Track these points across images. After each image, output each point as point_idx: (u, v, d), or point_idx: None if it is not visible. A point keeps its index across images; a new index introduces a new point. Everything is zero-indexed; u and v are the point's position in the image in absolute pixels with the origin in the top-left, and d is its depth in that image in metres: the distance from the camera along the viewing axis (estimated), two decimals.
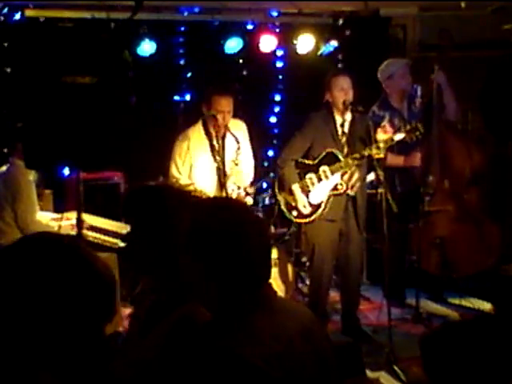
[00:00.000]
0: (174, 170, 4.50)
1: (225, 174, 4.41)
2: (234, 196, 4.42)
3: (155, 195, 1.90)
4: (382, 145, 4.36)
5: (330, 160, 4.46)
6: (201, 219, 1.59)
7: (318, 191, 4.49)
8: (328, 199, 4.47)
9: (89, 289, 1.32)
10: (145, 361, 1.73)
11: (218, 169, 4.44)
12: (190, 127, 4.61)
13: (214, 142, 4.46)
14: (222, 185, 4.40)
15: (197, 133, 4.52)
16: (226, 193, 4.39)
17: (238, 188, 4.48)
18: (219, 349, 1.45)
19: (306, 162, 4.54)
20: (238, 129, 4.59)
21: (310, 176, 4.51)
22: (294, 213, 4.52)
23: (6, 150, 4.68)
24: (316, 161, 4.50)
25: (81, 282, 1.31)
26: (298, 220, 4.57)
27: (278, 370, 1.42)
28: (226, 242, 1.53)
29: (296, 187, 4.49)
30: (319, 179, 4.48)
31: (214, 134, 4.46)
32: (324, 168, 4.46)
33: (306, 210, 4.47)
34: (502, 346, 1.52)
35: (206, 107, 4.40)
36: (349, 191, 4.44)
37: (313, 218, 4.48)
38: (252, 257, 1.55)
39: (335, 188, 4.45)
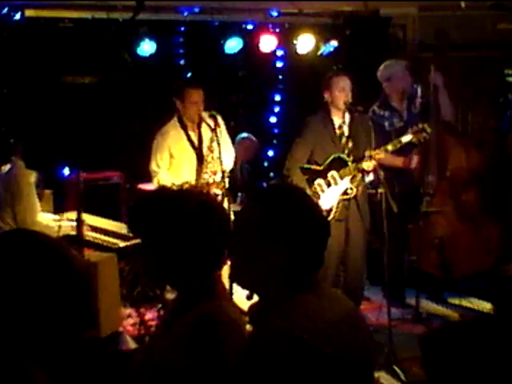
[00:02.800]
0: (153, 166, 4.66)
1: (202, 162, 4.55)
2: (211, 181, 4.48)
3: (161, 204, 1.86)
4: (390, 147, 4.38)
5: (337, 164, 4.44)
6: (274, 208, 1.61)
7: (327, 196, 4.46)
8: (338, 204, 4.47)
9: (63, 283, 1.32)
10: (163, 362, 1.73)
11: (196, 158, 4.57)
12: (166, 124, 4.74)
13: (190, 132, 4.62)
14: (198, 173, 4.55)
15: (173, 126, 4.67)
16: (203, 180, 4.51)
17: (214, 173, 4.48)
18: (276, 328, 1.48)
19: (313, 167, 4.51)
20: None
21: (319, 182, 4.47)
22: None
23: (7, 150, 4.67)
24: (323, 166, 4.48)
25: (54, 276, 1.32)
26: None
27: (327, 347, 1.46)
28: (298, 227, 1.58)
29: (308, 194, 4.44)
30: (328, 184, 4.46)
31: (189, 125, 4.61)
32: (332, 173, 4.44)
33: None
34: (502, 346, 1.52)
35: (179, 100, 4.56)
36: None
37: None
38: (316, 241, 1.61)
39: (345, 193, 4.44)
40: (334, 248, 4.49)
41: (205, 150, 4.60)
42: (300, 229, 1.58)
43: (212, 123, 4.51)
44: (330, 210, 4.45)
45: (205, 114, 4.56)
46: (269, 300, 1.61)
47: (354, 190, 4.42)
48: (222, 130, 4.67)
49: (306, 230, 1.59)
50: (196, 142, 4.62)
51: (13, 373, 1.26)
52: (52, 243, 1.39)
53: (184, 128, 4.63)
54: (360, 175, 4.43)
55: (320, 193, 4.46)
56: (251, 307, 1.66)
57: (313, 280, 1.62)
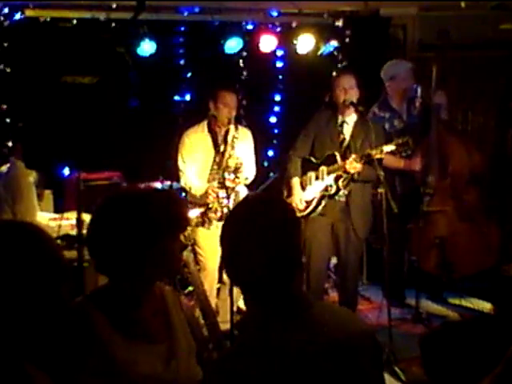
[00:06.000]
0: (180, 162, 4.70)
1: (219, 167, 4.54)
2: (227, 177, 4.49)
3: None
4: (373, 156, 4.32)
5: (329, 161, 4.50)
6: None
7: (312, 189, 4.56)
8: (321, 199, 4.51)
9: (38, 265, 1.31)
10: None
11: (216, 162, 4.57)
12: (196, 125, 4.77)
13: (218, 139, 4.62)
14: (213, 176, 4.56)
15: (201, 129, 4.71)
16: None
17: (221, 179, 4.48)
18: (216, 363, 1.48)
19: (311, 159, 4.61)
20: (244, 137, 4.72)
21: (310, 174, 4.59)
22: None
23: (6, 151, 4.68)
24: (319, 160, 4.55)
25: (29, 258, 1.31)
26: None
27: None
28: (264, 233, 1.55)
29: (295, 181, 4.59)
30: (316, 178, 4.54)
31: (217, 130, 4.64)
32: (322, 168, 4.52)
33: (301, 205, 4.52)
34: (501, 346, 1.52)
35: (213, 102, 4.59)
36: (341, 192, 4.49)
37: (304, 213, 4.53)
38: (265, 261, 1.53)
39: (326, 189, 4.48)
40: (320, 239, 4.53)
41: (226, 156, 4.57)
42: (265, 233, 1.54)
43: (246, 141, 4.68)
44: (310, 202, 4.54)
45: (239, 127, 4.63)
46: (247, 312, 1.60)
47: (334, 187, 4.46)
48: (248, 146, 4.74)
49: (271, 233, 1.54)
50: (220, 147, 4.60)
51: (13, 374, 1.25)
52: (36, 235, 1.38)
53: (211, 132, 4.65)
54: (347, 176, 4.42)
55: (308, 184, 4.57)
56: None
57: (284, 307, 1.53)
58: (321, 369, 1.46)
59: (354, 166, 4.30)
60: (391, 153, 4.39)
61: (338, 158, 4.46)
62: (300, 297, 1.58)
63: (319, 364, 1.46)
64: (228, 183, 4.43)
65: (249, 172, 4.71)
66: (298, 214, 4.51)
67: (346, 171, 4.38)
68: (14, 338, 1.28)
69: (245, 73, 6.40)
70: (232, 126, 4.55)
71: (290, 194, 4.60)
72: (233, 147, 4.51)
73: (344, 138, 4.52)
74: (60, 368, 1.37)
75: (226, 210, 4.42)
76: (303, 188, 4.59)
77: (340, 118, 4.52)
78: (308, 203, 4.55)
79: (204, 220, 4.54)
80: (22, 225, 1.40)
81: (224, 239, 1.60)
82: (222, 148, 4.57)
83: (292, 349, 1.46)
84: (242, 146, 4.64)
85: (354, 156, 4.30)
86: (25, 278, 1.29)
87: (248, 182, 4.73)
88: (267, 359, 1.43)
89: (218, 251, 4.70)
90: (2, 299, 1.27)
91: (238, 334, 1.61)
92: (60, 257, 1.39)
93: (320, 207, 4.52)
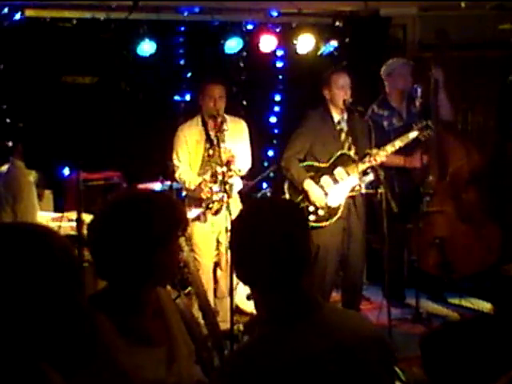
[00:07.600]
0: (174, 159, 4.73)
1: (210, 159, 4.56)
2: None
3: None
4: (398, 143, 4.39)
5: (343, 161, 4.44)
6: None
7: (335, 193, 4.43)
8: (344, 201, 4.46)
9: (45, 270, 1.31)
10: None
11: (208, 155, 4.60)
12: (190, 119, 4.81)
13: (210, 130, 4.63)
14: (204, 170, 4.57)
15: (194, 123, 4.74)
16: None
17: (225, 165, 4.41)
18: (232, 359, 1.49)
19: (317, 164, 4.50)
20: (238, 128, 4.71)
21: (325, 178, 4.46)
22: (312, 217, 4.39)
23: (6, 151, 4.67)
24: (329, 163, 4.48)
25: (35, 264, 1.30)
26: (316, 224, 4.37)
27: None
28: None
29: (309, 182, 4.42)
30: (335, 181, 4.45)
31: (210, 123, 4.63)
32: (339, 170, 4.44)
33: (323, 204, 4.39)
34: (501, 346, 1.52)
35: (201, 96, 4.66)
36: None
37: (330, 221, 4.42)
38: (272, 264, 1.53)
39: (353, 190, 4.43)
40: (333, 245, 4.48)
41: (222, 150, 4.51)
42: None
43: (240, 132, 4.66)
44: (338, 208, 4.43)
45: (229, 117, 4.62)
46: (257, 312, 1.60)
47: (362, 186, 4.42)
48: (241, 137, 4.71)
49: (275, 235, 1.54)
50: (214, 140, 4.56)
51: (28, 374, 1.25)
52: (29, 230, 1.38)
53: (205, 125, 4.65)
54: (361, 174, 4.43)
55: (327, 190, 4.44)
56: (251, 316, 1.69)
57: (294, 309, 1.53)
58: (329, 371, 1.46)
59: (379, 156, 4.30)
60: (416, 140, 4.39)
61: (353, 156, 4.43)
62: (310, 298, 1.57)
63: (328, 366, 1.46)
64: (220, 177, 4.37)
65: (243, 163, 4.64)
66: (324, 223, 4.42)
67: (366, 168, 4.37)
68: (30, 337, 1.28)
69: (245, 73, 6.41)
70: (221, 119, 4.51)
71: (306, 198, 4.43)
72: (222, 140, 4.43)
73: (346, 136, 4.51)
74: (65, 369, 1.37)
75: (219, 205, 4.41)
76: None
77: (336, 117, 4.51)
78: (333, 210, 4.41)
79: (199, 215, 4.53)
80: (35, 228, 1.40)
81: (233, 241, 1.60)
82: (214, 141, 4.54)
83: (301, 350, 1.45)
84: (235, 138, 4.59)
85: (374, 150, 4.30)
86: (40, 283, 1.29)
87: (242, 173, 4.67)
88: (276, 360, 1.43)
89: (213, 249, 4.73)
90: (21, 302, 1.28)
91: (248, 335, 1.62)
92: (75, 261, 1.39)
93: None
